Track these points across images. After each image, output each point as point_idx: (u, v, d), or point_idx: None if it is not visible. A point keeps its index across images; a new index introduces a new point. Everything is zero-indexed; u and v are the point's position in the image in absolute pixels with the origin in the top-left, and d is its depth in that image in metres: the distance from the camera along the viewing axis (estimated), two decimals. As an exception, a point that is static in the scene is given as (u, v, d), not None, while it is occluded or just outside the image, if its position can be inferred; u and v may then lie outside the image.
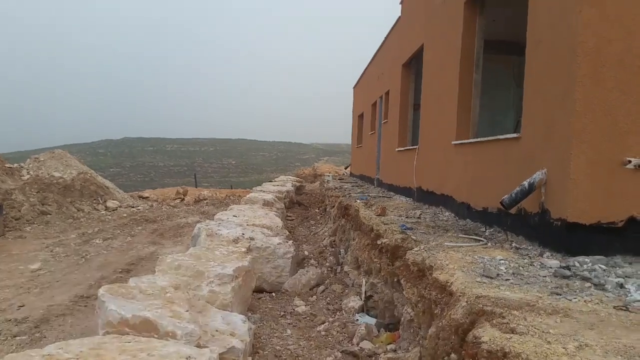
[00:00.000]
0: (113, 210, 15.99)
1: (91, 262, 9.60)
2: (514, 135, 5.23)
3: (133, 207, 16.92)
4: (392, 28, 13.02)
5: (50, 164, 16.64)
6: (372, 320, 5.73)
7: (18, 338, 5.66)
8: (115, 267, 9.09)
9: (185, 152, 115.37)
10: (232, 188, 29.42)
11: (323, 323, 5.75)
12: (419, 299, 4.25)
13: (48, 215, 14.09)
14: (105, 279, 8.10)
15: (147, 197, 19.87)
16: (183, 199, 19.91)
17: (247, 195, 13.36)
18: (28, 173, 15.88)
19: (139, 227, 13.39)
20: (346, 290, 7.05)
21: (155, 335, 3.26)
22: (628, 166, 3.99)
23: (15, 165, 16.59)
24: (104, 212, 15.76)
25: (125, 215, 15.46)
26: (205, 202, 19.41)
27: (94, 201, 16.14)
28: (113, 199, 16.77)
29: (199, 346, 3.26)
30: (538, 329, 2.52)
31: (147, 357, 2.68)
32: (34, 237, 12.02)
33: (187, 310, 3.60)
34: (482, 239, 5.06)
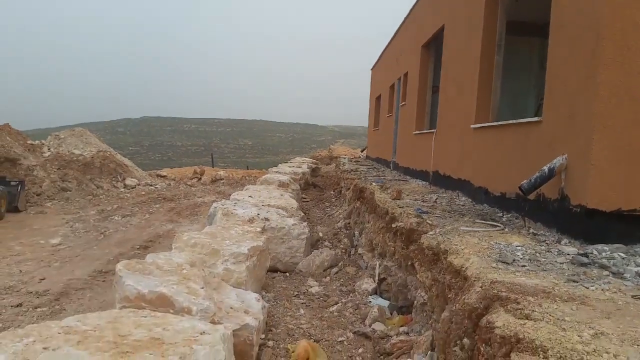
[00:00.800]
0: (132, 188, 16.22)
1: (110, 238, 9.78)
2: (535, 119, 5.13)
3: (151, 186, 17.13)
4: (412, 8, 12.79)
5: (70, 142, 16.90)
6: (385, 303, 5.75)
7: (39, 310, 5.82)
8: (133, 244, 9.25)
9: (202, 132, 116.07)
10: (248, 169, 29.55)
11: (336, 304, 5.79)
12: (432, 282, 4.25)
13: (68, 192, 14.35)
14: (123, 255, 8.25)
15: (165, 176, 20.08)
16: (200, 179, 20.08)
17: (263, 176, 13.42)
18: (49, 150, 16.17)
19: (157, 205, 13.57)
20: (360, 273, 7.07)
21: (171, 311, 3.32)
22: (652, 153, 3.89)
23: (37, 142, 16.87)
24: (122, 189, 15.99)
25: (143, 193, 15.67)
26: (221, 182, 19.56)
27: (113, 179, 16.37)
28: (132, 177, 16.99)
29: (213, 322, 3.31)
30: (553, 316, 2.49)
31: (163, 331, 2.73)
32: (55, 213, 12.27)
33: (202, 287, 3.65)
34: (499, 224, 5.01)
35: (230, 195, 9.70)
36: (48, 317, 5.53)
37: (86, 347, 2.38)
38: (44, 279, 7.02)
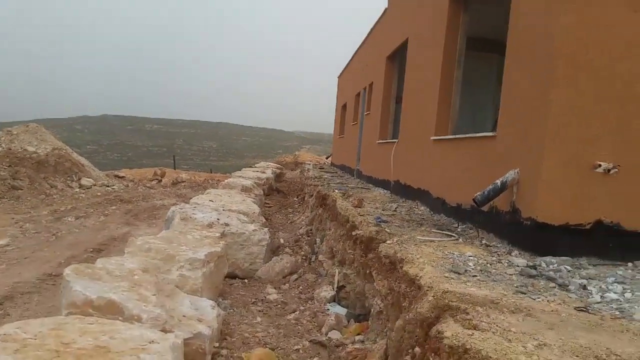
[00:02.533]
0: (87, 188, 15.72)
1: (62, 240, 9.43)
2: (491, 133, 5.29)
3: (108, 186, 16.66)
4: (379, 19, 12.98)
5: (23, 138, 16.24)
6: (343, 311, 5.77)
7: (-20, 315, 5.54)
8: (86, 247, 8.94)
9: (165, 132, 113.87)
10: (211, 172, 29.18)
11: (294, 312, 5.77)
12: (388, 291, 4.29)
13: (19, 190, 13.78)
14: (75, 257, 7.97)
15: (123, 177, 19.58)
16: (160, 181, 19.69)
17: (226, 180, 13.26)
18: (0, 146, 15.49)
19: (113, 207, 13.20)
20: (319, 280, 7.07)
21: (120, 318, 3.23)
22: (598, 170, 4.07)
23: (-13, 137, 16.17)
24: (77, 189, 15.48)
25: (99, 194, 15.22)
26: (182, 184, 19.22)
27: (68, 178, 15.83)
28: (88, 177, 16.47)
29: (164, 331, 3.24)
30: (500, 327, 2.56)
31: (109, 339, 2.65)
32: (4, 212, 11.75)
33: (154, 294, 3.57)
34: (454, 234, 5.12)
35: (191, 198, 9.55)
36: (-10, 323, 5.27)
37: (24, 357, 2.28)
38: (-12, 282, 6.70)
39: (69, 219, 11.32)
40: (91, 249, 8.73)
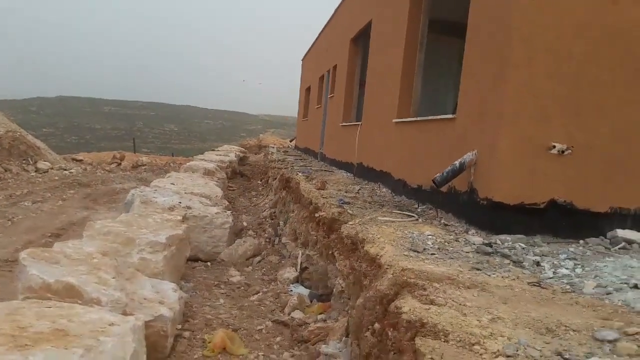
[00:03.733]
0: (44, 172, 15.19)
1: (18, 225, 9.11)
2: (450, 116, 5.39)
3: (65, 170, 16.13)
4: (343, 0, 12.92)
5: (-27, 120, 15.52)
6: (306, 291, 5.83)
7: None
8: (44, 232, 8.68)
9: (124, 115, 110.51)
10: (173, 155, 28.64)
11: (257, 293, 5.80)
12: (350, 270, 4.37)
13: (-30, 175, 13.20)
14: (33, 243, 7.72)
15: (81, 160, 19.00)
16: (120, 164, 19.20)
17: (188, 163, 13.06)
18: (-52, 129, 14.75)
19: (71, 191, 12.81)
20: (282, 262, 7.11)
21: (80, 302, 3.17)
22: (552, 151, 4.22)
23: None
24: (34, 173, 14.93)
25: (56, 178, 14.72)
26: (143, 168, 18.81)
27: (24, 162, 15.25)
28: (44, 161, 15.91)
29: (125, 314, 3.21)
30: (456, 302, 2.66)
31: (68, 322, 2.61)
32: (-46, 197, 11.24)
33: (113, 277, 3.52)
34: (414, 215, 5.23)
35: (151, 182, 9.37)
36: (-59, 311, 5.07)
37: (-22, 342, 2.22)
38: (-62, 268, 6.43)
39: (26, 204, 10.93)
40: (49, 234, 8.48)
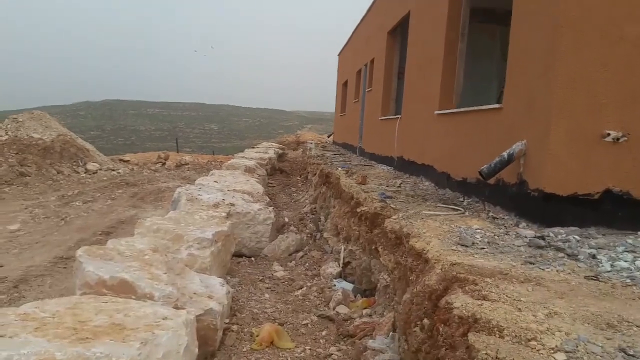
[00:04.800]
0: (93, 173, 15.77)
1: (71, 224, 9.51)
2: (496, 105, 5.24)
3: (113, 171, 16.70)
4: (380, -6, 12.80)
5: (29, 125, 16.25)
6: (350, 286, 5.82)
7: (-4, 298, 5.63)
8: (95, 230, 9.02)
9: (167, 116, 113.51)
10: (214, 154, 29.17)
11: (301, 288, 5.83)
12: (395, 265, 4.32)
13: (27, 177, 13.85)
14: (84, 241, 8.04)
15: (128, 161, 19.60)
16: (164, 164, 19.71)
17: (229, 161, 13.27)
18: (7, 134, 15.52)
19: (120, 191, 13.25)
20: (325, 257, 7.12)
21: (133, 297, 3.27)
22: (606, 139, 4.04)
23: (-7, 125, 16.20)
24: (84, 174, 15.53)
25: (105, 178, 15.27)
26: (186, 167, 19.24)
27: (74, 163, 15.87)
28: (93, 162, 16.51)
29: (176, 307, 3.28)
30: (509, 297, 2.58)
31: (124, 317, 2.69)
32: (13, 198, 11.83)
33: (165, 273, 3.61)
34: (460, 208, 5.13)
35: (195, 180, 9.57)
36: (6, 305, 5.33)
37: (44, 334, 2.32)
38: (1, 266, 6.77)
39: (77, 204, 11.39)
40: (100, 232, 8.81)
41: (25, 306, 2.71)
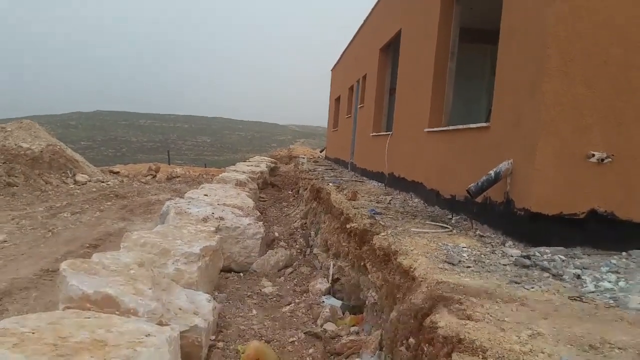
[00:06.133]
0: (82, 184, 15.67)
1: (58, 236, 9.41)
2: (484, 124, 5.30)
3: (103, 182, 16.60)
4: (372, 10, 12.95)
5: (17, 135, 16.14)
6: (338, 303, 5.79)
7: (-23, 311, 5.53)
8: (82, 242, 8.93)
9: (159, 127, 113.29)
10: (206, 167, 29.12)
11: (289, 304, 5.79)
12: (383, 283, 4.31)
13: (14, 187, 13.74)
14: (72, 253, 7.96)
15: (118, 172, 19.51)
16: (155, 176, 19.63)
17: (220, 175, 13.25)
18: (-6, 143, 15.41)
19: (109, 203, 13.16)
20: (314, 273, 7.10)
21: (117, 312, 3.23)
22: (591, 159, 4.09)
23: (-20, 134, 16.06)
24: (72, 185, 15.43)
25: (94, 189, 15.16)
26: (177, 179, 19.17)
27: (63, 174, 15.77)
28: (82, 173, 16.41)
29: (160, 324, 3.25)
30: (494, 317, 2.59)
31: (106, 333, 2.66)
32: (0, 209, 11.71)
33: (150, 288, 3.58)
34: (448, 226, 5.15)
35: (185, 193, 9.54)
36: (-12, 319, 5.26)
37: (22, 350, 2.28)
38: (-16, 278, 6.68)
39: (65, 215, 11.29)
40: (87, 245, 8.72)
41: (4, 321, 2.67)
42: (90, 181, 16.20)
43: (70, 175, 15.89)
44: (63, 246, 8.61)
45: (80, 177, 15.98)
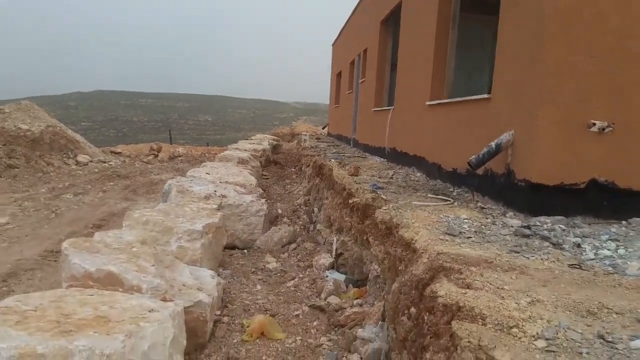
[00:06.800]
0: (84, 165, 15.68)
1: (61, 217, 9.47)
2: (485, 96, 5.24)
3: (105, 163, 16.61)
4: (372, -16, 12.72)
5: (16, 116, 16.08)
6: (342, 277, 5.84)
7: (-16, 292, 5.60)
8: (86, 223, 8.98)
9: (160, 107, 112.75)
10: (208, 145, 29.09)
11: (293, 279, 5.84)
12: (385, 255, 4.34)
13: (16, 169, 13.76)
14: (76, 233, 8.01)
15: (120, 153, 19.51)
16: (157, 155, 19.63)
17: (222, 153, 13.24)
18: (-8, 125, 15.38)
19: (111, 183, 13.20)
20: (318, 248, 7.14)
21: (120, 289, 3.27)
22: (592, 129, 4.06)
23: (-21, 116, 16.03)
24: (74, 166, 15.44)
25: (96, 170, 15.19)
26: (179, 159, 19.18)
27: (64, 155, 15.77)
28: (84, 154, 16.41)
29: (164, 300, 3.28)
30: (493, 285, 2.60)
31: (109, 309, 2.69)
32: (1, 191, 11.75)
33: (153, 265, 3.61)
34: (449, 198, 5.14)
35: (187, 172, 9.55)
36: (-6, 300, 5.33)
37: (25, 328, 2.32)
38: (-10, 259, 6.75)
39: (68, 196, 11.34)
40: (91, 225, 8.77)
41: (7, 300, 2.70)
42: (92, 162, 16.21)
43: (71, 156, 15.89)
44: (67, 227, 8.67)
45: (81, 158, 15.99)
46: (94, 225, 8.75)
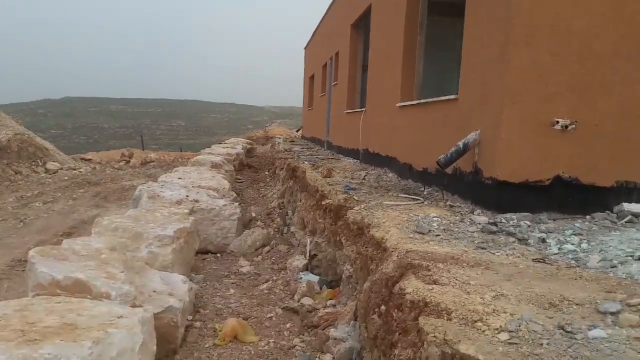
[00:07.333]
0: (53, 172, 15.33)
1: (30, 226, 9.24)
2: (453, 96, 5.34)
3: (75, 170, 16.27)
4: (342, -13, 12.81)
5: (-18, 124, 15.66)
6: (315, 278, 5.85)
7: (-52, 304, 5.43)
8: (55, 231, 8.79)
9: (130, 113, 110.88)
10: (181, 150, 28.78)
11: (267, 282, 5.84)
12: (357, 255, 4.38)
13: (-19, 178, 13.38)
14: (45, 242, 7.83)
15: (90, 160, 19.15)
16: (129, 162, 19.33)
17: (195, 158, 13.12)
18: (-43, 134, 14.92)
19: (81, 190, 12.94)
20: (292, 250, 7.15)
21: (89, 296, 3.22)
22: (556, 127, 4.17)
23: (-57, 125, 15.52)
24: (43, 174, 15.08)
25: (66, 178, 14.86)
26: (152, 164, 18.93)
27: (33, 163, 15.39)
28: (53, 161, 16.04)
29: (134, 306, 3.25)
30: (459, 280, 2.66)
31: (76, 317, 2.65)
32: (-33, 201, 11.41)
33: (122, 272, 3.56)
34: (419, 197, 5.22)
35: (158, 177, 9.44)
36: (-41, 311, 5.17)
37: (-13, 337, 2.26)
38: (-46, 271, 6.55)
39: (37, 205, 11.07)
40: (61, 233, 8.59)
41: (-30, 310, 2.64)
42: (61, 169, 15.86)
43: (40, 164, 15.52)
44: (35, 235, 8.47)
45: (51, 166, 15.62)
46: (64, 233, 8.57)
